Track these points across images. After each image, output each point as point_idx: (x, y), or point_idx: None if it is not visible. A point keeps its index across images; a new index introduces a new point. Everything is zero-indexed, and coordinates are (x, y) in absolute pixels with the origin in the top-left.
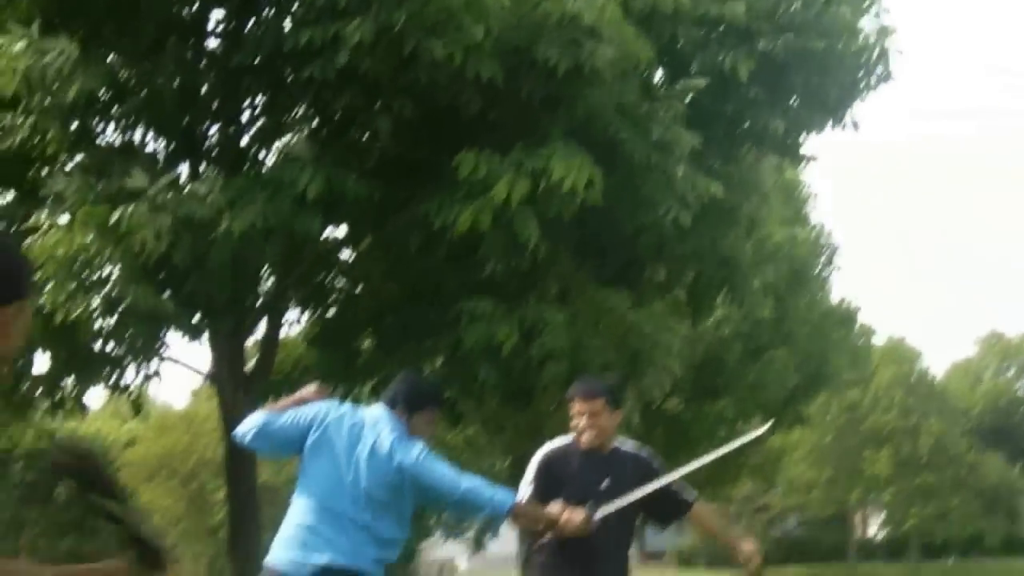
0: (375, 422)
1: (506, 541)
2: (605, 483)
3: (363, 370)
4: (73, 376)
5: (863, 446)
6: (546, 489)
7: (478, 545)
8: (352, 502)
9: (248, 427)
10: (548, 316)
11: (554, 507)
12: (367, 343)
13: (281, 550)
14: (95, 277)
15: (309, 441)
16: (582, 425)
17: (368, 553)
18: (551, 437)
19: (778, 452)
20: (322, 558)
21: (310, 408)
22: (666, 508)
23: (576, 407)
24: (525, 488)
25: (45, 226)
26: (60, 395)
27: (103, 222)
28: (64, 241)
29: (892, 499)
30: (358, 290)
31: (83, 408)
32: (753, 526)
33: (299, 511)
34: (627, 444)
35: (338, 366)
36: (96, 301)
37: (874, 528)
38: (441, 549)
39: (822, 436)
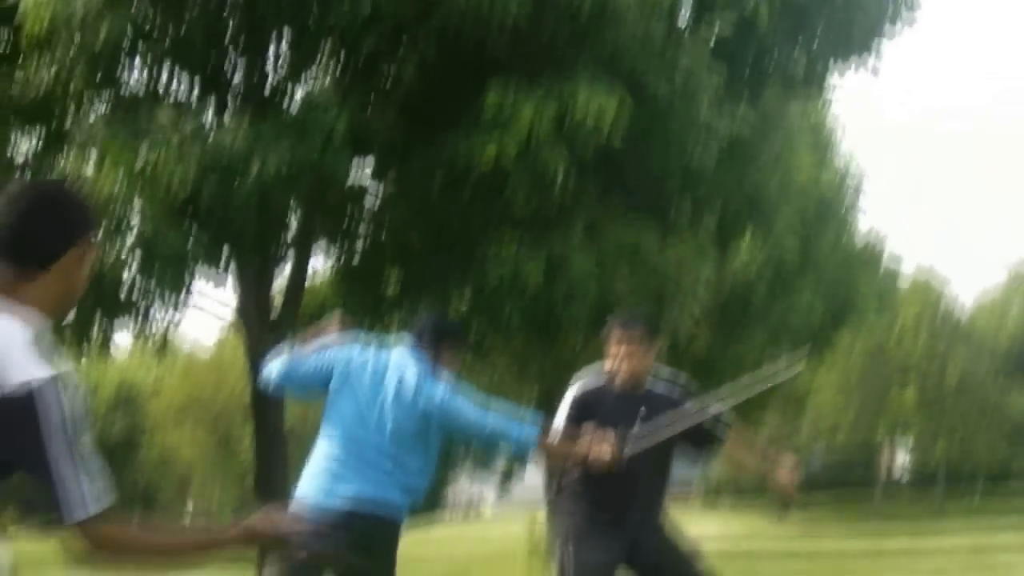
0: (400, 361)
1: (533, 479)
2: (640, 417)
3: (388, 311)
4: (100, 321)
5: (889, 382)
6: (579, 423)
7: (505, 483)
8: (378, 440)
9: (273, 371)
10: (573, 254)
11: (582, 439)
12: (392, 285)
13: (309, 483)
14: (124, 219)
15: (334, 382)
16: (620, 358)
17: (395, 488)
18: (579, 371)
19: (804, 388)
20: (350, 489)
21: (334, 349)
22: (700, 441)
23: (614, 340)
24: (559, 420)
25: (73, 170)
26: (86, 340)
27: (131, 165)
28: (92, 184)
29: (918, 432)
30: (383, 233)
31: (108, 352)
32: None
33: (326, 448)
34: (660, 383)
35: (364, 308)
36: (126, 243)
37: (901, 461)
38: (469, 487)
39: (848, 372)
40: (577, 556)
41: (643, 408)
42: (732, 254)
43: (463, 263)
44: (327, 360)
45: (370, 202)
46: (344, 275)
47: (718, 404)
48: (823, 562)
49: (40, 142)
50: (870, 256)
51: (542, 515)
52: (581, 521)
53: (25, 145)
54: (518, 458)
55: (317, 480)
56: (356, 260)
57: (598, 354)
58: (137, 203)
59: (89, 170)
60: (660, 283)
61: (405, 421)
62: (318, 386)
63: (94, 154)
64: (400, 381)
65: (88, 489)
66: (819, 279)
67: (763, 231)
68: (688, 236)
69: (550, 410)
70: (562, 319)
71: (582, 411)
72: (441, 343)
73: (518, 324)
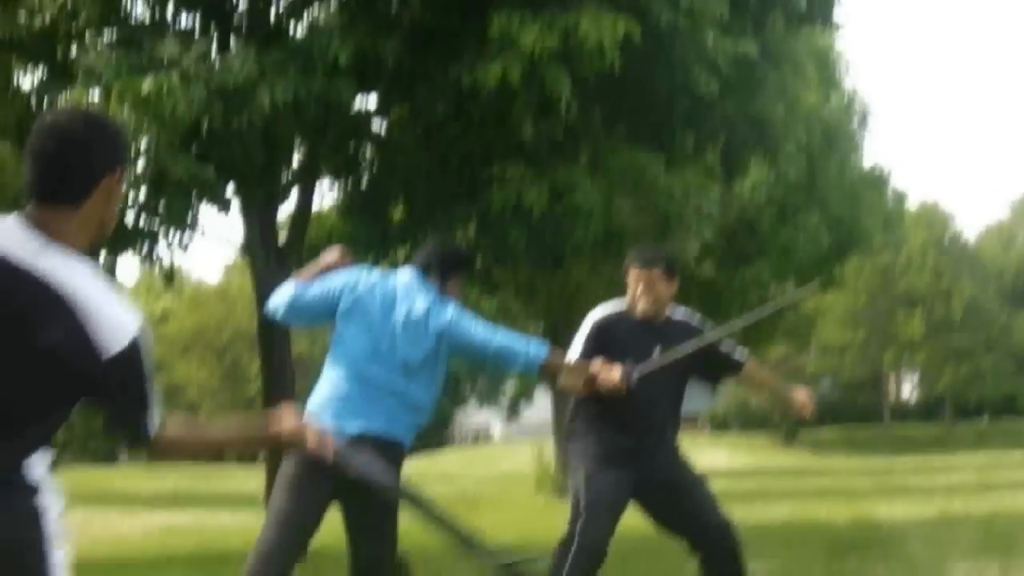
0: (408, 288)
1: (541, 408)
2: (656, 351)
3: (395, 240)
4: (105, 249)
5: (896, 309)
6: (596, 352)
7: (513, 411)
8: (387, 369)
9: (279, 301)
10: (578, 180)
11: (593, 364)
12: (399, 213)
13: (316, 415)
14: (132, 149)
15: (341, 309)
16: (638, 294)
17: (401, 420)
18: (585, 303)
19: (812, 315)
20: (355, 426)
21: (340, 277)
22: (716, 369)
23: (633, 275)
24: (575, 349)
25: (79, 101)
26: (104, 268)
27: (137, 94)
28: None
29: (925, 361)
30: (389, 160)
31: (114, 280)
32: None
33: (331, 380)
34: (679, 316)
35: (371, 236)
36: (136, 171)
37: (907, 390)
38: (476, 416)
39: (855, 299)
40: (591, 482)
41: (662, 338)
42: (739, 179)
43: (468, 190)
44: (333, 288)
45: (375, 129)
46: (350, 206)
47: (730, 333)
48: (833, 478)
49: (44, 75)
50: (876, 181)
51: (550, 443)
52: (596, 448)
53: (28, 79)
54: (527, 374)
55: (324, 414)
56: (363, 187)
57: (603, 287)
58: (143, 133)
59: (95, 100)
60: (664, 209)
61: (416, 348)
62: (325, 314)
63: (98, 86)
64: (410, 308)
65: (155, 406)
66: (825, 205)
67: (770, 155)
68: (693, 163)
69: (555, 345)
70: (566, 245)
71: (600, 336)
72: (447, 272)
73: (522, 250)
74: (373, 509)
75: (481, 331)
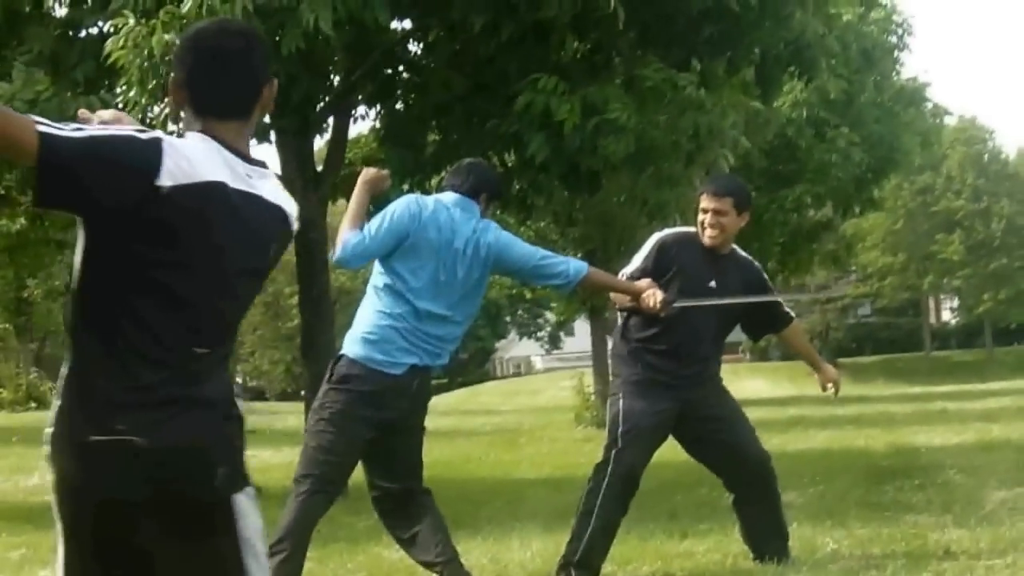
0: (461, 215)
1: (581, 338)
2: (714, 282)
3: (430, 165)
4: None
5: (935, 230)
6: (656, 269)
7: (553, 343)
8: (444, 304)
9: (349, 252)
10: (611, 95)
11: (642, 282)
12: (432, 143)
13: (369, 346)
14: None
15: (405, 245)
16: (707, 222)
17: (445, 352)
18: (622, 229)
19: (851, 238)
20: (412, 359)
21: (400, 211)
22: (765, 320)
23: (703, 203)
24: (636, 262)
25: (120, 26)
26: None
27: (179, 17)
28: (144, 40)
29: (965, 284)
30: (424, 83)
31: None
32: (827, 315)
33: (389, 310)
34: (744, 255)
35: (405, 163)
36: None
37: (947, 314)
38: (517, 348)
39: (894, 221)
40: (629, 410)
41: (720, 271)
42: (775, 96)
43: (502, 112)
44: (399, 226)
45: (413, 47)
46: (384, 133)
47: (781, 295)
48: (872, 406)
49: (76, 5)
50: (914, 95)
51: (589, 374)
52: (638, 374)
53: (60, 7)
54: (567, 289)
55: (380, 346)
56: (399, 108)
57: (641, 215)
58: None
59: (131, 22)
60: (699, 122)
61: (470, 273)
62: (395, 247)
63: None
64: (466, 242)
65: None
66: (863, 122)
67: (807, 72)
68: (727, 83)
69: None
70: (595, 159)
71: (660, 255)
72: (489, 196)
73: (545, 162)
74: (410, 446)
75: (525, 249)
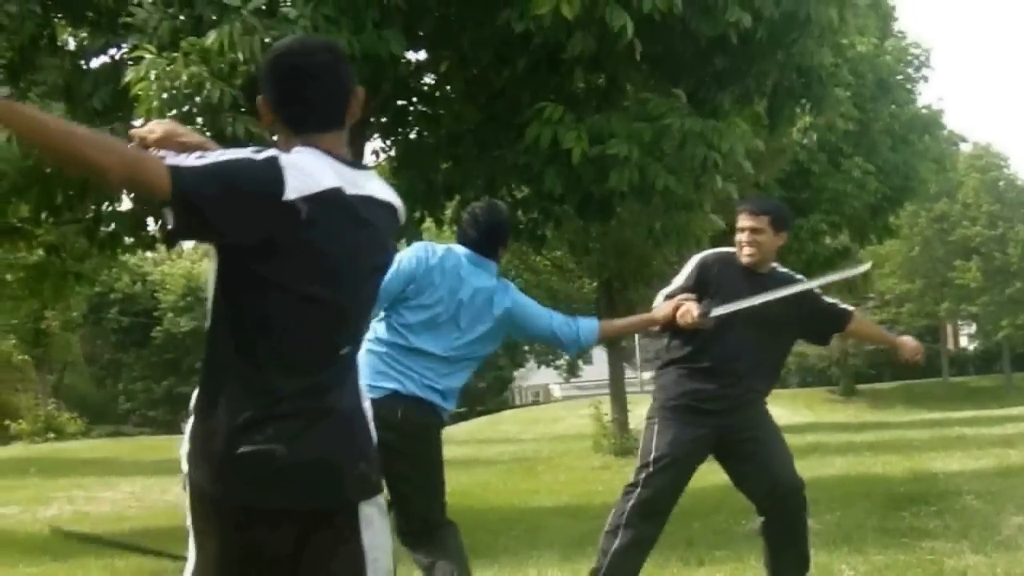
0: (472, 269)
1: (600, 367)
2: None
3: (441, 193)
4: (156, 214)
5: (952, 257)
6: (696, 287)
7: (571, 372)
8: (444, 343)
9: None
10: (616, 127)
11: (665, 307)
12: (443, 171)
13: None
14: (201, 102)
15: (411, 286)
16: (744, 240)
17: (442, 384)
18: (638, 257)
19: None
20: (389, 383)
21: (407, 257)
22: (824, 324)
23: (741, 221)
24: (677, 281)
25: (138, 55)
26: (146, 235)
27: (203, 49)
28: (164, 72)
29: (982, 310)
30: (436, 114)
31: (172, 245)
32: (845, 341)
33: (374, 335)
34: (785, 272)
35: (419, 188)
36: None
37: (965, 340)
38: (536, 377)
39: (911, 248)
40: (664, 435)
41: (761, 289)
42: (785, 127)
43: (513, 136)
44: (406, 271)
45: (423, 82)
46: (399, 161)
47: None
48: (890, 432)
49: (88, 35)
50: (929, 123)
51: (607, 403)
52: (675, 397)
53: (73, 39)
54: (578, 352)
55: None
56: (410, 142)
57: (655, 243)
58: (205, 89)
59: (147, 57)
60: (703, 156)
61: (476, 329)
62: (399, 291)
63: (149, 43)
64: (474, 293)
65: None
66: (877, 151)
67: (818, 104)
68: (736, 114)
69: (610, 303)
70: (605, 191)
71: (701, 275)
72: (496, 242)
73: (561, 194)
74: (420, 467)
75: (540, 315)
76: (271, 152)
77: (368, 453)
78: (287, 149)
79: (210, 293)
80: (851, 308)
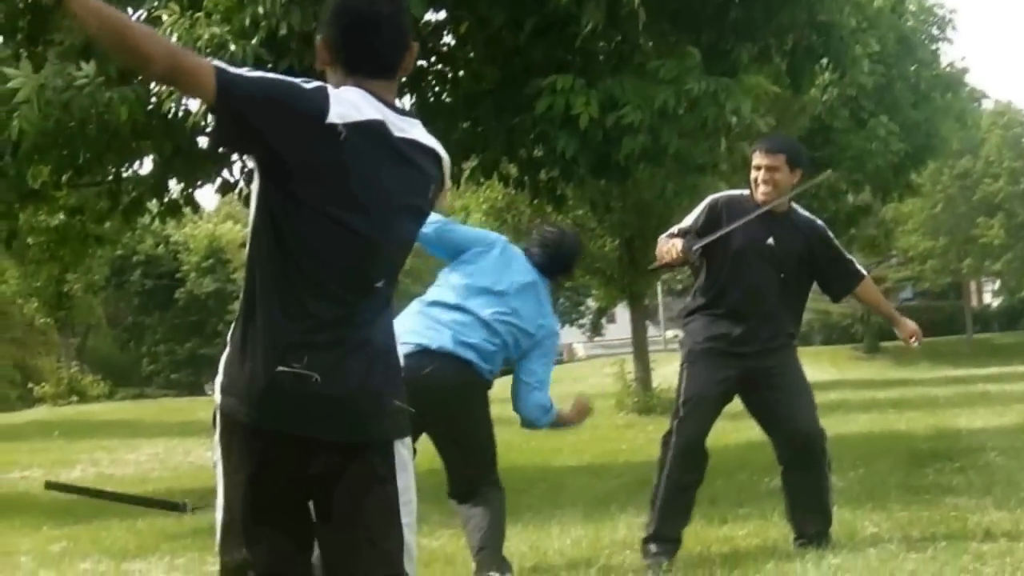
0: (535, 276)
1: (623, 326)
2: (771, 239)
3: (458, 155)
4: (178, 176)
5: (975, 214)
6: (708, 227)
7: (595, 330)
8: (490, 312)
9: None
10: (628, 91)
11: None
12: (460, 131)
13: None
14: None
15: (465, 256)
16: (760, 178)
17: (477, 336)
18: (659, 216)
19: (890, 223)
20: (415, 338)
21: (478, 231)
22: (837, 278)
23: (756, 160)
24: (686, 221)
25: (157, 16)
26: (168, 197)
27: (228, 8)
28: (186, 32)
29: (1005, 267)
30: (454, 75)
31: (196, 209)
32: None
33: (426, 304)
34: (802, 211)
35: None
36: None
37: (988, 297)
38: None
39: (933, 205)
40: (690, 379)
41: (777, 229)
42: (806, 86)
43: (527, 100)
44: (480, 234)
45: (442, 43)
46: (419, 114)
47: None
48: (914, 389)
49: None
50: (952, 79)
51: (630, 361)
52: (701, 341)
53: None
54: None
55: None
56: (430, 98)
57: (676, 201)
58: (230, 47)
59: (165, 18)
60: (714, 117)
61: (519, 319)
62: (455, 253)
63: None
64: (524, 288)
65: None
66: (899, 108)
67: (838, 62)
68: (754, 73)
69: (632, 261)
70: (618, 154)
71: (712, 213)
72: (557, 270)
73: (573, 156)
74: (461, 449)
75: (547, 366)
76: (319, 82)
77: (400, 391)
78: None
79: (251, 219)
80: (864, 272)
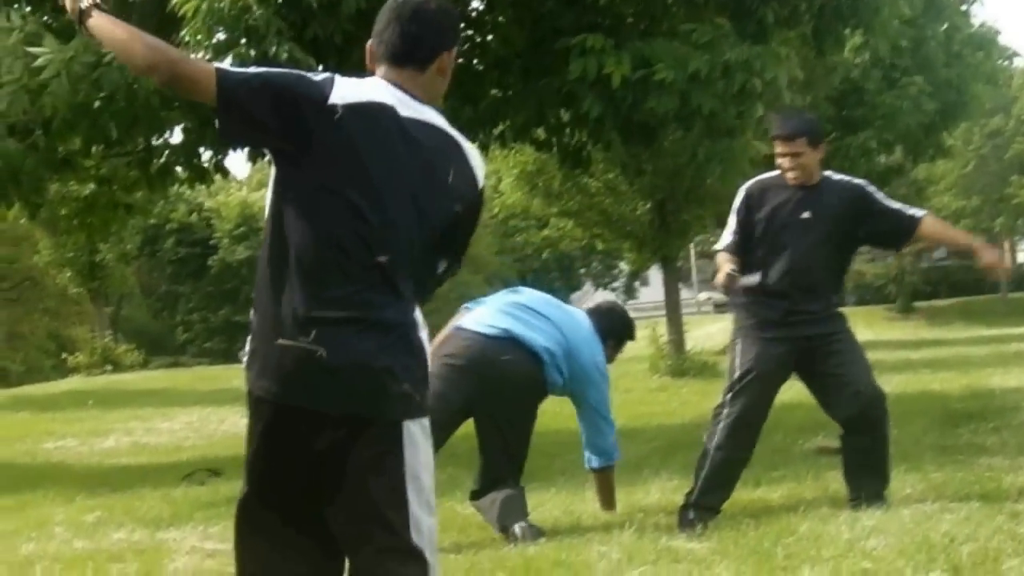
0: (585, 329)
1: (656, 288)
2: (807, 212)
3: (488, 117)
4: (208, 145)
5: (1008, 173)
6: (748, 218)
7: (629, 293)
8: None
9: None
10: (659, 52)
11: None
12: (489, 98)
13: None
14: (249, 26)
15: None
16: (786, 165)
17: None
18: (690, 179)
19: (923, 183)
20: (528, 335)
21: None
22: (890, 230)
23: (778, 148)
24: (730, 225)
25: None
26: (198, 164)
27: None
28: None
29: None
30: (483, 39)
31: (225, 175)
32: (902, 259)
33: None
34: (836, 178)
35: (464, 116)
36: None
37: (1023, 257)
38: (594, 299)
39: (966, 165)
40: (745, 353)
41: (813, 202)
42: (833, 49)
43: (556, 63)
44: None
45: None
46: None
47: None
48: (948, 349)
49: None
50: (984, 39)
51: (663, 324)
52: (754, 316)
53: None
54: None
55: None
56: (459, 63)
57: (699, 171)
58: (255, 13)
59: None
60: (743, 80)
61: (572, 362)
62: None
63: None
64: (590, 347)
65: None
66: (931, 68)
67: (867, 24)
68: (780, 36)
69: (663, 224)
70: (648, 116)
71: (749, 202)
72: (610, 340)
73: (599, 117)
74: (513, 421)
75: (604, 411)
76: (331, 73)
77: (414, 372)
78: None
79: (268, 199)
80: (921, 212)
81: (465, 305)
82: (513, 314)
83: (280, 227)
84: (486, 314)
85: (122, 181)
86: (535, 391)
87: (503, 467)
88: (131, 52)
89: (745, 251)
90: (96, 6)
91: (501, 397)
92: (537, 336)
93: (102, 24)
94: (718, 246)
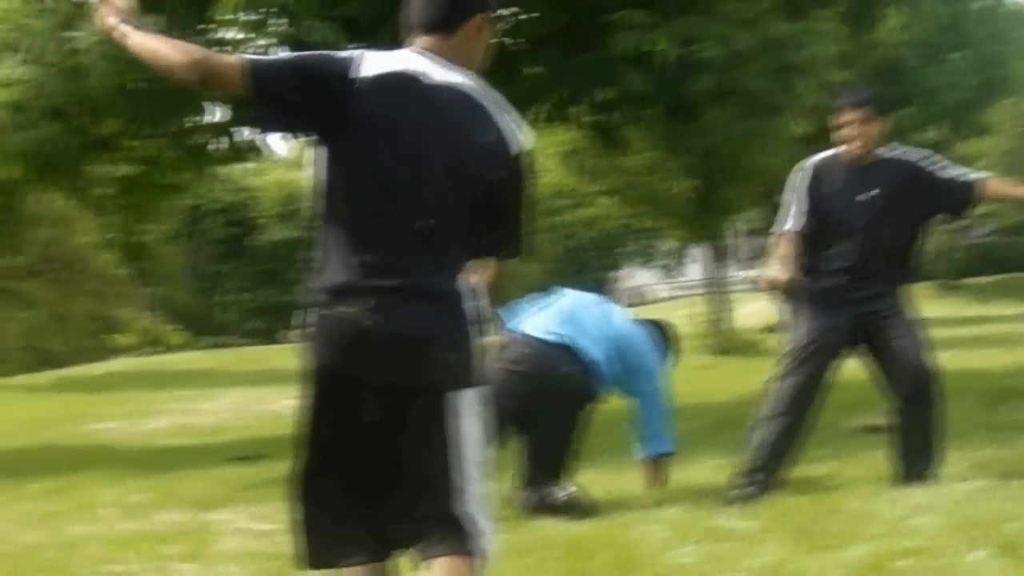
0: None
1: (701, 267)
2: (861, 195)
3: (528, 97)
4: (248, 124)
5: None
6: (812, 202)
7: (669, 272)
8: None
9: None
10: (703, 29)
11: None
12: (531, 70)
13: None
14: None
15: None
16: (849, 134)
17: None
18: (730, 157)
19: (963, 160)
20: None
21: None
22: (948, 198)
23: (843, 116)
24: (795, 199)
25: None
26: (236, 143)
27: None
28: None
29: None
30: (520, 18)
31: (262, 154)
32: (944, 236)
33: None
34: (895, 151)
35: (503, 94)
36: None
37: None
38: (637, 277)
39: (1007, 142)
40: (800, 326)
41: (874, 179)
42: (870, 26)
43: (596, 40)
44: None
45: None
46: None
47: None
48: (992, 326)
49: None
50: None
51: (702, 301)
52: (812, 291)
53: None
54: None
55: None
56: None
57: (746, 142)
58: None
59: None
60: (786, 58)
61: (617, 356)
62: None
63: None
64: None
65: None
66: (970, 44)
67: (906, 7)
68: (820, 12)
69: (703, 202)
70: (691, 94)
71: (813, 183)
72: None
73: (639, 93)
74: (550, 423)
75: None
76: (359, 50)
77: (460, 343)
78: None
79: (311, 174)
80: (982, 176)
81: (503, 311)
82: (570, 321)
83: (325, 201)
84: (543, 320)
85: (166, 162)
86: (583, 401)
87: (543, 473)
88: (159, 59)
89: (813, 231)
90: (127, 23)
91: (547, 403)
92: (590, 346)
93: (138, 42)
94: (784, 227)
